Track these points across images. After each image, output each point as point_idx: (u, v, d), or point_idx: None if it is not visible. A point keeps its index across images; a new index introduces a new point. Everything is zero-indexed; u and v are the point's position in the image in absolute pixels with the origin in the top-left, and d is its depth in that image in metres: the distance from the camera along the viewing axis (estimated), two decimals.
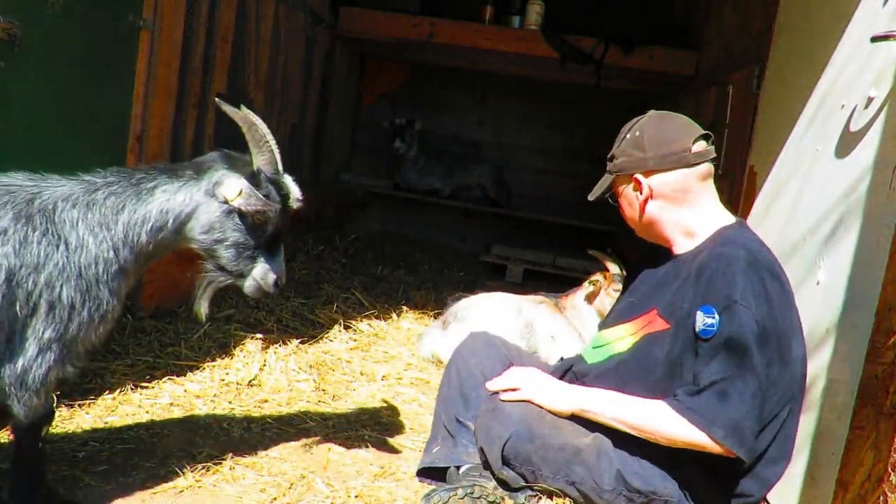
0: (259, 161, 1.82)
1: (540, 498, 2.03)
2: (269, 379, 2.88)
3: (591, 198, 2.14)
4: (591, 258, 3.73)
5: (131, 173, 1.77)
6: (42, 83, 2.39)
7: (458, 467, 2.15)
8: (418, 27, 5.44)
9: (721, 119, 4.05)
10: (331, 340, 3.47)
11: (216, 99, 1.90)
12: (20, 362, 1.62)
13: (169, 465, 2.17)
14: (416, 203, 6.69)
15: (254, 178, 1.79)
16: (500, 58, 5.71)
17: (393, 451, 2.51)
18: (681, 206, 1.98)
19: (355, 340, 3.54)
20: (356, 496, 2.14)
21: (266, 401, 2.71)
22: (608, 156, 2.11)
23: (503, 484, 2.04)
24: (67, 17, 2.45)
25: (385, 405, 2.88)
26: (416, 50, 5.99)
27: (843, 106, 2.21)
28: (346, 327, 3.66)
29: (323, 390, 2.89)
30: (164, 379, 2.70)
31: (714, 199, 2.01)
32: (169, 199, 1.75)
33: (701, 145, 1.96)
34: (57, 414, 2.30)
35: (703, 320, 1.77)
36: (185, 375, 2.76)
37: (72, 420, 2.30)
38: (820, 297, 2.15)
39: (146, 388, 2.61)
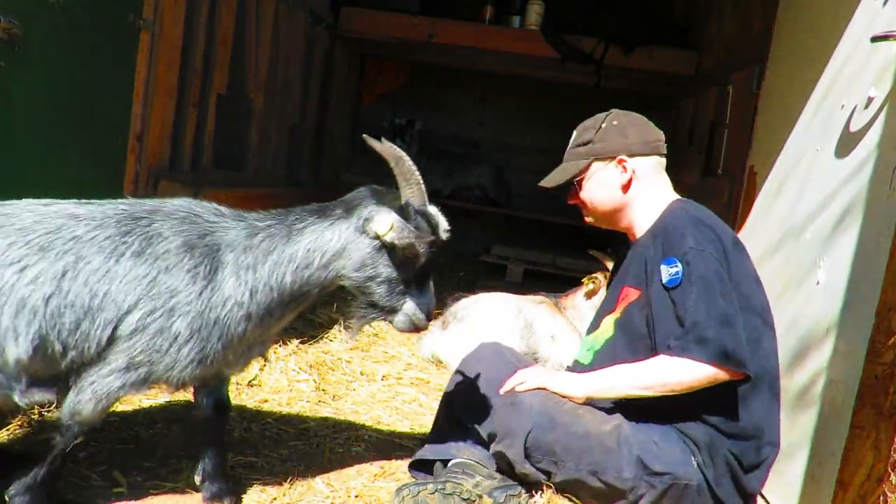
0: (407, 194, 1.79)
1: (521, 495, 2.03)
2: (269, 379, 2.88)
3: (554, 183, 2.20)
4: (591, 258, 3.73)
5: (286, 215, 1.82)
6: (42, 83, 2.39)
7: (445, 462, 2.14)
8: (418, 27, 5.44)
9: (721, 119, 4.05)
10: (331, 340, 3.47)
11: (363, 136, 1.90)
12: (104, 369, 1.68)
13: (169, 465, 2.17)
14: None
15: (403, 212, 1.77)
16: (500, 58, 5.71)
17: (393, 451, 2.50)
18: (651, 189, 2.13)
19: (355, 340, 3.54)
20: (356, 496, 2.14)
21: (266, 401, 2.71)
22: (577, 143, 2.22)
23: (522, 482, 2.05)
24: (68, 17, 2.45)
25: (385, 405, 2.88)
26: (416, 50, 6.00)
27: (843, 106, 2.21)
28: (347, 327, 3.66)
29: (323, 390, 2.89)
30: None
31: (670, 186, 2.18)
32: (317, 238, 1.77)
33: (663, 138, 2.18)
34: (56, 414, 2.30)
35: (667, 272, 1.92)
36: None
37: None
38: (820, 296, 2.15)
39: None
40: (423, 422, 2.77)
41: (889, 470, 1.58)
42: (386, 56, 6.71)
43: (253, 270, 1.74)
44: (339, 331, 3.59)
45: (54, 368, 1.68)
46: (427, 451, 2.21)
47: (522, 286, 5.23)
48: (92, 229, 1.70)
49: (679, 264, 1.90)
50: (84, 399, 1.70)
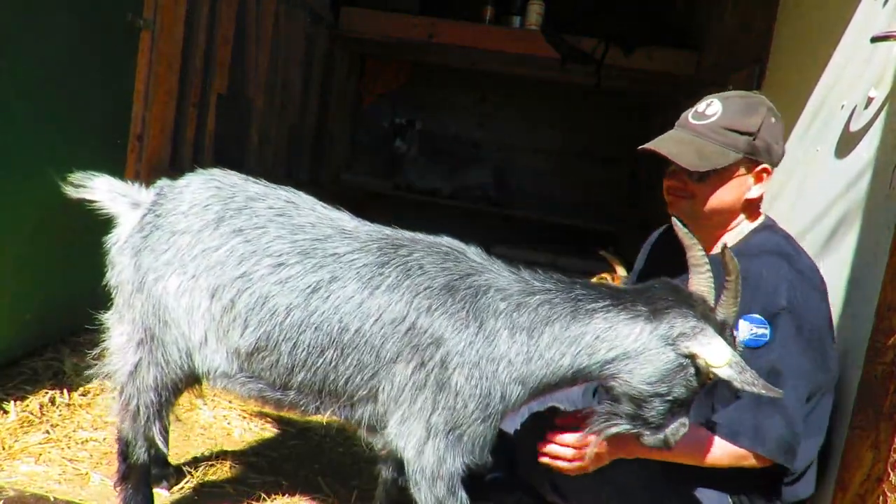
0: (726, 312, 1.51)
1: None
2: None
3: (689, 165, 1.76)
4: (591, 258, 3.73)
5: (570, 286, 1.59)
6: (41, 83, 2.39)
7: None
8: (418, 27, 5.44)
9: None
10: None
11: (672, 219, 1.66)
12: (408, 442, 1.56)
13: (169, 465, 2.17)
14: (416, 203, 6.68)
15: (723, 333, 1.49)
16: (500, 58, 5.70)
17: None
18: (757, 208, 1.90)
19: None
20: (356, 496, 2.14)
21: None
22: (730, 127, 1.78)
23: None
24: (67, 17, 2.45)
25: None
26: (416, 50, 5.99)
27: (843, 106, 2.21)
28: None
29: None
30: None
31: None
32: (610, 328, 1.51)
33: None
34: (57, 414, 2.31)
35: (749, 329, 1.68)
36: None
37: (72, 419, 2.30)
38: None
39: None
40: None
41: (889, 470, 1.58)
42: (386, 56, 6.70)
43: (528, 334, 1.53)
44: None
45: (280, 378, 1.61)
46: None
47: None
48: (353, 251, 1.60)
49: (767, 327, 1.66)
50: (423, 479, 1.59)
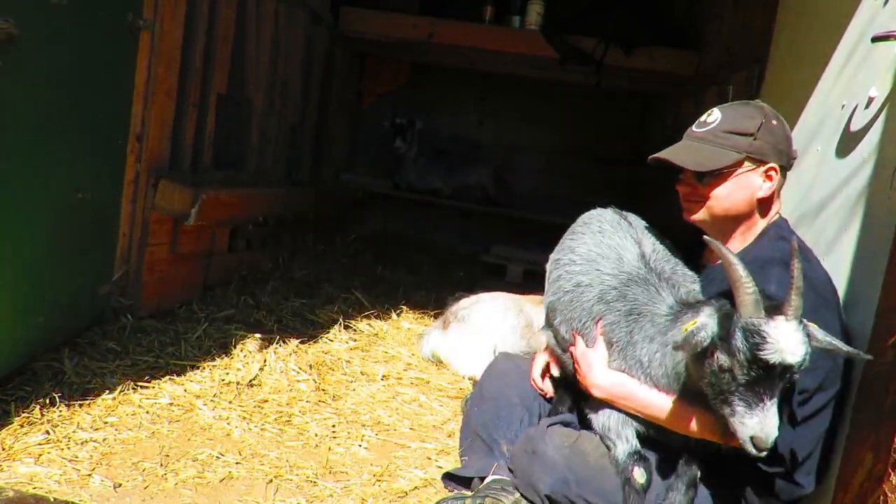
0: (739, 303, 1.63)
1: None
2: (269, 379, 2.88)
3: (696, 167, 1.90)
4: None
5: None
6: (41, 83, 2.39)
7: (482, 478, 2.14)
8: (418, 27, 5.44)
9: None
10: (331, 340, 3.47)
11: (705, 238, 1.76)
12: None
13: (169, 465, 2.17)
14: (416, 203, 6.68)
15: (723, 323, 1.64)
16: (500, 58, 5.70)
17: (393, 451, 2.51)
18: (772, 209, 1.97)
19: (355, 340, 3.54)
20: (356, 496, 2.14)
21: (266, 401, 2.71)
22: (730, 129, 1.90)
23: None
24: (67, 17, 2.44)
25: (385, 405, 2.87)
26: (416, 50, 5.99)
27: (843, 106, 2.21)
28: (346, 327, 3.66)
29: (323, 390, 2.88)
30: (164, 379, 2.70)
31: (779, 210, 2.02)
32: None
33: None
34: (57, 414, 2.31)
35: None
36: (185, 375, 2.76)
37: (72, 420, 2.30)
38: None
39: (146, 388, 2.61)
40: (423, 422, 2.77)
41: (889, 470, 1.58)
42: (386, 56, 6.70)
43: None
44: (339, 331, 3.59)
45: None
46: (467, 468, 2.21)
47: (522, 286, 5.23)
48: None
49: None
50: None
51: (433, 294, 4.64)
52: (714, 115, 1.95)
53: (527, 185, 6.99)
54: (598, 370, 1.96)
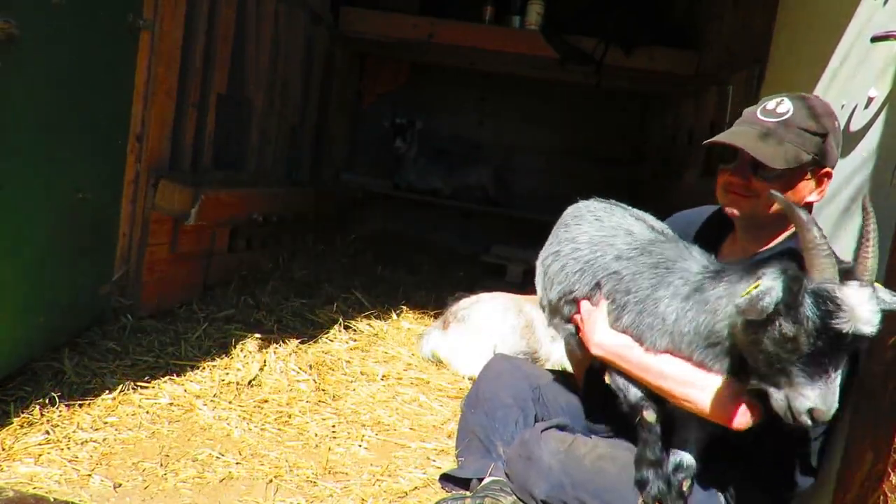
0: (810, 267, 1.50)
1: None
2: (269, 379, 2.88)
3: (770, 161, 1.71)
4: None
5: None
6: (41, 83, 2.39)
7: (480, 479, 2.14)
8: (418, 27, 5.44)
9: (721, 119, 4.05)
10: (331, 340, 3.47)
11: (771, 193, 1.59)
12: None
13: (169, 465, 2.17)
14: (416, 203, 6.68)
15: (790, 287, 1.49)
16: (500, 58, 5.71)
17: (393, 451, 2.51)
18: (811, 212, 1.86)
19: (355, 340, 3.54)
20: (356, 496, 2.14)
21: (266, 401, 2.71)
22: (807, 127, 1.74)
23: None
24: (67, 17, 2.44)
25: (385, 405, 2.87)
26: (416, 50, 5.99)
27: (843, 106, 2.21)
28: (346, 327, 3.66)
29: (323, 390, 2.88)
30: (164, 379, 2.70)
31: None
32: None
33: None
34: (57, 414, 2.31)
35: None
36: (185, 375, 2.76)
37: (72, 420, 2.30)
38: None
39: (146, 388, 2.61)
40: (423, 422, 2.77)
41: (889, 470, 1.58)
42: (386, 56, 6.70)
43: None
44: (339, 331, 3.59)
45: None
46: (465, 469, 2.21)
47: (522, 286, 5.23)
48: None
49: None
50: None
51: (433, 294, 4.64)
52: (785, 106, 1.77)
53: (527, 185, 6.99)
54: (603, 329, 1.86)
